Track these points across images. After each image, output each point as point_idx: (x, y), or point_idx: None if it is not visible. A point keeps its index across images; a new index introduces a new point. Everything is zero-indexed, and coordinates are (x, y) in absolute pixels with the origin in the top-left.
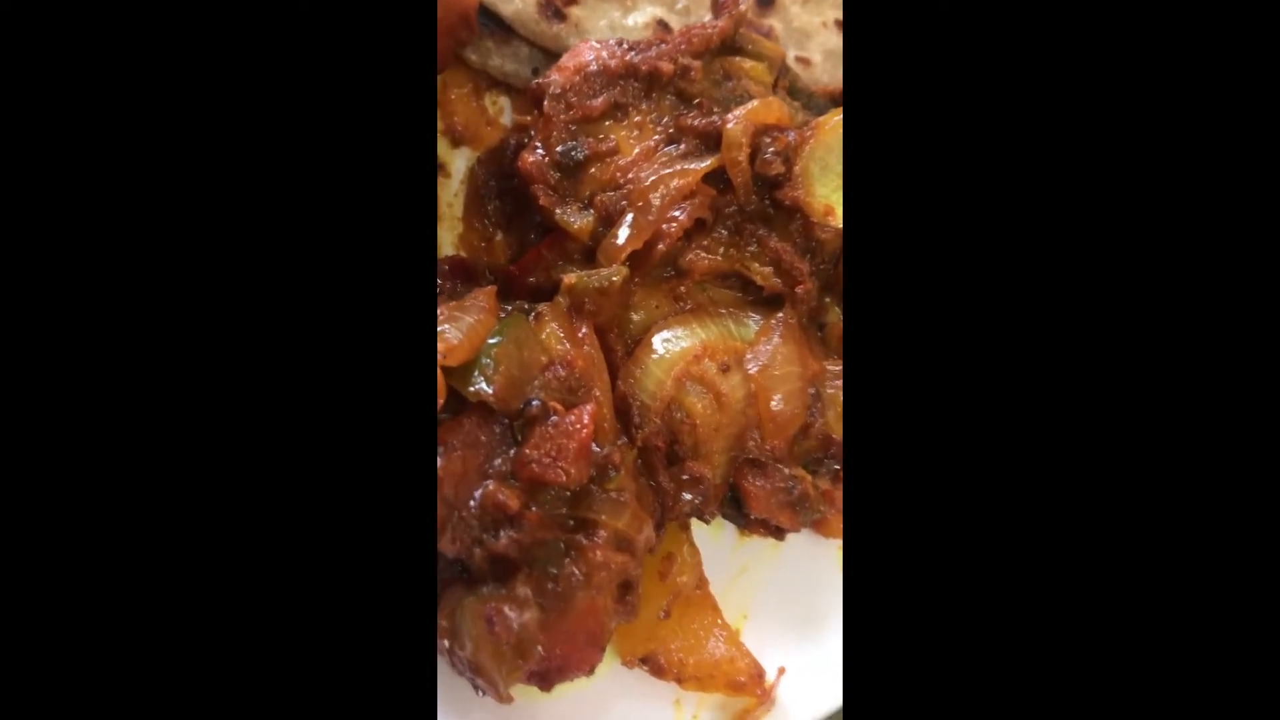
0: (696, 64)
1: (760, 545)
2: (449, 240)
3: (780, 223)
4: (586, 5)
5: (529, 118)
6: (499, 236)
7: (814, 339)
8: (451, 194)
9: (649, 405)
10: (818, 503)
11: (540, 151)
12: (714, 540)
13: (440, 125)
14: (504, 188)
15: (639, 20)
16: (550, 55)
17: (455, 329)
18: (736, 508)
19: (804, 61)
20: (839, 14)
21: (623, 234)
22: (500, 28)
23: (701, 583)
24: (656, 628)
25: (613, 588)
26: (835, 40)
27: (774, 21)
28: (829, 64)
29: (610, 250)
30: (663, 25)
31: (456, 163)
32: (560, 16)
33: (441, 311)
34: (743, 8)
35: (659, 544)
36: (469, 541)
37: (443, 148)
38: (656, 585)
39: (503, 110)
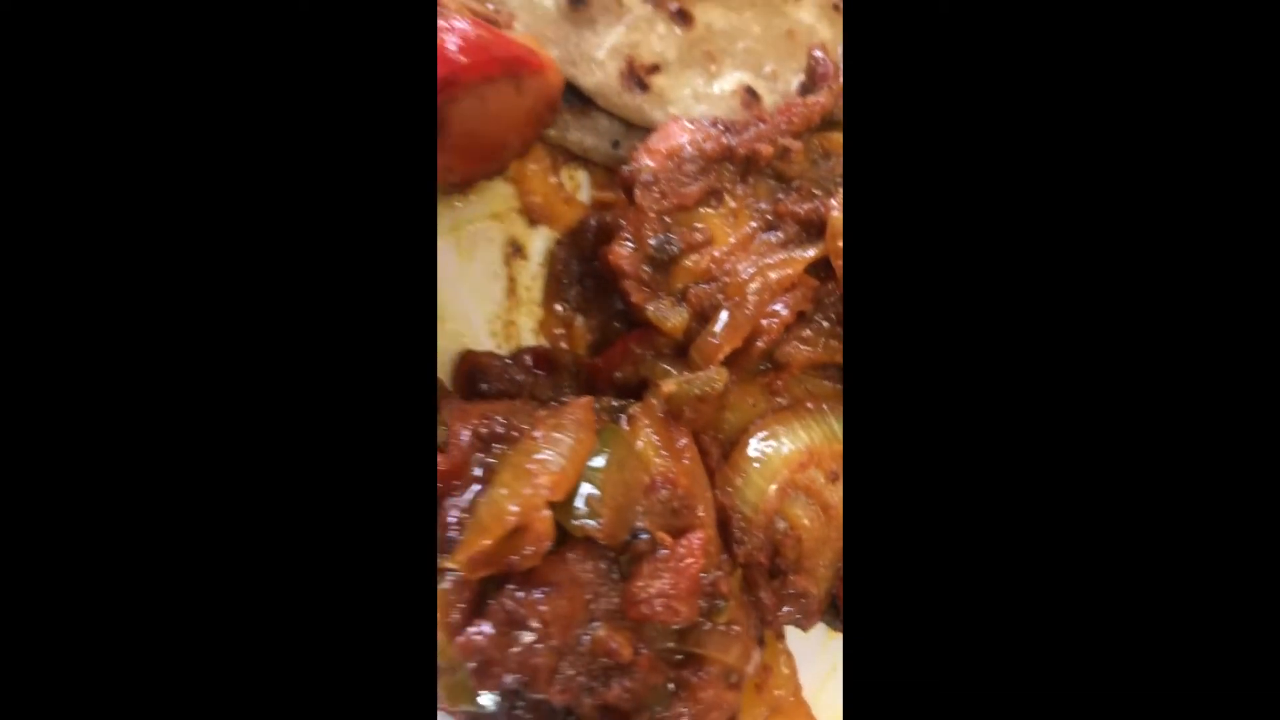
0: (797, 145)
1: None
2: (528, 326)
3: None
4: (670, 74)
5: (609, 194)
6: (578, 320)
7: None
8: (529, 277)
9: (751, 519)
10: None
11: (631, 245)
12: (801, 637)
13: (516, 204)
14: (584, 270)
15: (725, 88)
16: (631, 127)
17: (556, 454)
18: (836, 613)
19: None
20: None
21: (719, 332)
22: (579, 100)
23: (795, 689)
24: None
25: None
26: None
27: None
28: None
29: (706, 350)
30: (750, 92)
31: (535, 243)
32: (643, 86)
33: (537, 432)
34: (841, 80)
35: None
36: (578, 690)
37: (520, 227)
38: (752, 698)
39: (579, 185)
